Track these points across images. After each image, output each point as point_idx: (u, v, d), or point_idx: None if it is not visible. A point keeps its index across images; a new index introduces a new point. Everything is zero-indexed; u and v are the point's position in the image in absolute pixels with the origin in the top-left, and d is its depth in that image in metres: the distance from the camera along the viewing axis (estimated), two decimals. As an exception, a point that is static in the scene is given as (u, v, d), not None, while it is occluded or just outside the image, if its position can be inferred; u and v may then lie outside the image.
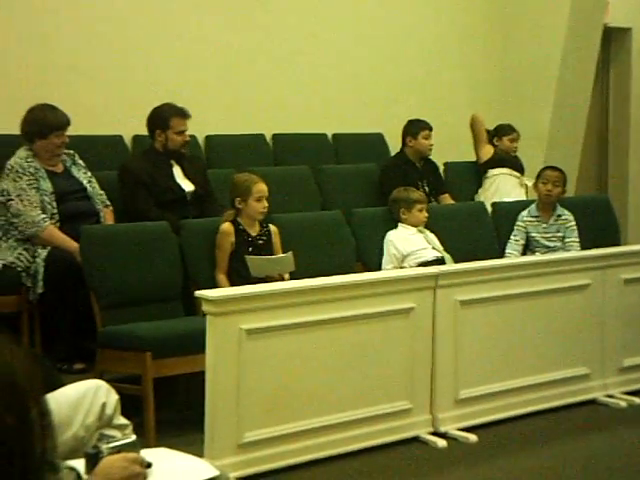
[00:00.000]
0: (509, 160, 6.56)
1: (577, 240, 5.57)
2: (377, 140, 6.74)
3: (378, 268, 5.12)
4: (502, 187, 6.43)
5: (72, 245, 4.56)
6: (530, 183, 6.15)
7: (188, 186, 5.17)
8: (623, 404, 4.72)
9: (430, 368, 4.21)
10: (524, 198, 6.31)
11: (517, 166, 6.59)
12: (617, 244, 5.88)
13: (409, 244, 5.17)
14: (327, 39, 6.83)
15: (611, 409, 4.67)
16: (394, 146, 6.47)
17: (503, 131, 6.63)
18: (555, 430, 4.34)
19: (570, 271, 4.73)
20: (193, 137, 5.66)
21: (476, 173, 6.61)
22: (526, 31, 7.63)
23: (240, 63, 6.45)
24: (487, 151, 6.62)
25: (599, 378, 4.77)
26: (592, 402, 4.71)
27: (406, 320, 4.14)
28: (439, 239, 5.33)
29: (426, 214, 5.33)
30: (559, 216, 5.63)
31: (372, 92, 7.00)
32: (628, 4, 8.43)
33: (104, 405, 2.78)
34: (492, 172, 6.49)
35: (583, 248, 5.44)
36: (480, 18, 7.64)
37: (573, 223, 5.62)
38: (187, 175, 5.19)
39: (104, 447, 2.30)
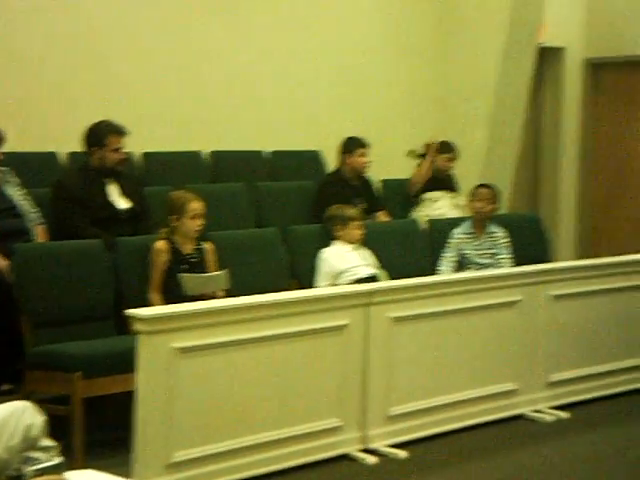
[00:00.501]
0: (442, 180, 6.56)
1: (509, 256, 5.66)
2: (314, 157, 6.77)
3: (313, 286, 5.15)
4: (437, 208, 6.45)
5: (1, 263, 4.51)
6: (464, 202, 6.21)
7: (124, 204, 5.15)
8: (550, 419, 4.81)
9: (362, 385, 4.25)
10: (459, 217, 6.35)
11: (450, 185, 6.64)
12: (547, 261, 6.01)
13: (343, 261, 5.21)
14: (264, 57, 6.86)
15: (538, 424, 4.76)
16: (332, 164, 6.52)
17: (442, 149, 6.60)
18: (484, 445, 4.41)
19: (501, 287, 4.82)
20: (131, 154, 5.66)
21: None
22: (464, 50, 7.73)
23: (179, 80, 6.45)
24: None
25: (527, 393, 4.86)
26: (520, 417, 4.80)
27: (339, 337, 4.19)
28: (375, 256, 5.38)
29: (361, 231, 5.38)
30: (491, 233, 5.72)
31: (309, 109, 7.05)
32: (562, 24, 8.61)
33: (29, 427, 2.76)
34: (427, 195, 6.49)
35: (515, 264, 5.54)
36: (418, 37, 7.73)
37: (505, 240, 5.71)
38: (124, 192, 5.18)
39: (27, 470, 2.32)
